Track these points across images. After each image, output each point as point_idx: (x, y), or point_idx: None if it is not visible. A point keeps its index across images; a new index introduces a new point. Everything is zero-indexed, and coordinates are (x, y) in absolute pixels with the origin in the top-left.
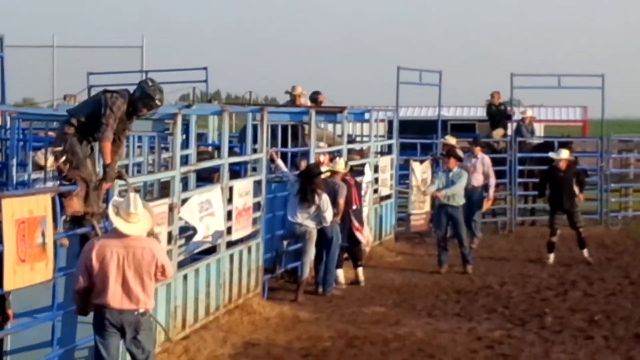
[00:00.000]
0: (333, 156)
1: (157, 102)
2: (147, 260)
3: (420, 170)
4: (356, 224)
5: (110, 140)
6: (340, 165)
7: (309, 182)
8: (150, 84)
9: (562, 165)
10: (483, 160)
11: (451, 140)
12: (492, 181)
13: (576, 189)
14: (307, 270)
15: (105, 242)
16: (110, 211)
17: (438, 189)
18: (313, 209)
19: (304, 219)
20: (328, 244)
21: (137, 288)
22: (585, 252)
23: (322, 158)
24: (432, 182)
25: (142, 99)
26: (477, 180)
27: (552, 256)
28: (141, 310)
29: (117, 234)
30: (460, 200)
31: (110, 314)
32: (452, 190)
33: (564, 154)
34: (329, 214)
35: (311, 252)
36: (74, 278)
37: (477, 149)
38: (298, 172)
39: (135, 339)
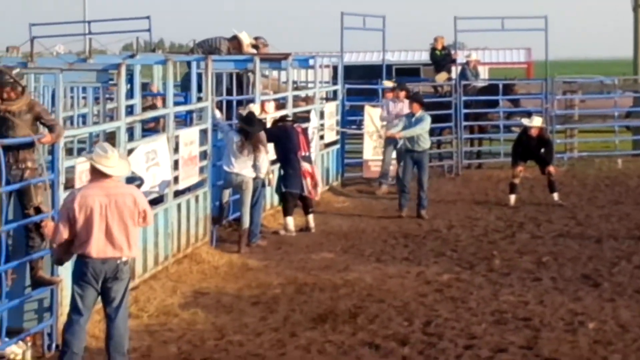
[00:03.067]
0: (279, 103)
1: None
2: (130, 206)
3: (376, 115)
4: (309, 168)
5: None
6: (255, 110)
7: (250, 132)
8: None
9: (534, 132)
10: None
11: (388, 84)
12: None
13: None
14: (247, 220)
15: (87, 191)
16: (90, 158)
17: (398, 132)
18: (251, 158)
19: (241, 169)
20: (253, 194)
21: (120, 236)
22: (556, 195)
23: (268, 106)
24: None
25: None
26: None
27: (513, 197)
28: (124, 259)
29: (97, 184)
30: (426, 144)
31: (93, 263)
32: (411, 131)
33: (537, 121)
34: (264, 166)
35: (248, 202)
36: (54, 230)
37: (402, 94)
38: (240, 119)
39: (111, 287)
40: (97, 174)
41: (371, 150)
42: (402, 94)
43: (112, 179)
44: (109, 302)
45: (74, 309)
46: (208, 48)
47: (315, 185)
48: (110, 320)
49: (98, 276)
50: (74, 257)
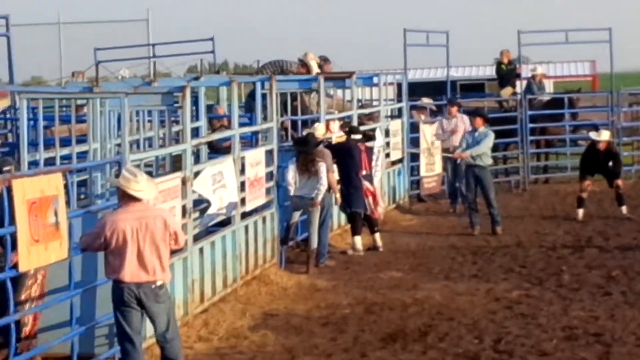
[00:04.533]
0: (344, 122)
1: None
2: (160, 228)
3: (430, 132)
4: (370, 187)
5: None
6: (320, 130)
7: (306, 152)
8: None
9: (602, 146)
10: (463, 119)
11: (427, 100)
12: None
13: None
14: (315, 240)
15: (117, 216)
16: (119, 183)
17: (463, 150)
18: (312, 179)
19: (305, 190)
20: (320, 214)
21: (153, 259)
22: (624, 208)
23: (332, 125)
24: (460, 144)
25: None
26: (459, 140)
27: (581, 212)
28: (159, 283)
29: (126, 208)
30: (488, 160)
31: (128, 288)
32: (477, 150)
33: (605, 135)
34: (322, 185)
35: (316, 222)
36: (84, 239)
37: (454, 109)
38: (294, 142)
39: (155, 311)
40: (126, 199)
41: (424, 167)
42: (454, 109)
43: (141, 203)
44: (155, 327)
45: (123, 336)
46: (278, 69)
47: (377, 204)
48: (161, 344)
49: (135, 299)
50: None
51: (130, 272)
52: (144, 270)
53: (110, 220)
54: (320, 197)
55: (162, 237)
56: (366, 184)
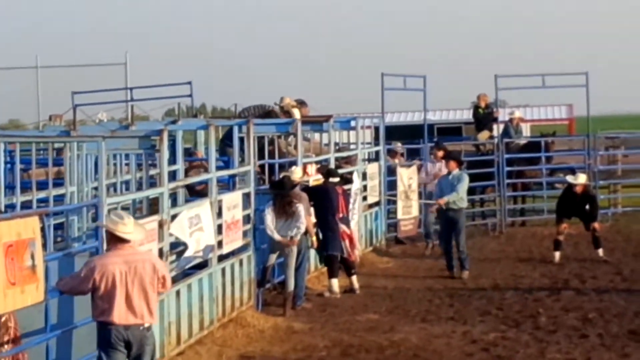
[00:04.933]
0: (322, 165)
1: None
2: (149, 272)
3: (407, 176)
4: (347, 230)
5: None
6: (297, 173)
7: (282, 195)
8: None
9: (579, 189)
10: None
11: (397, 144)
12: None
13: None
14: (292, 283)
15: (106, 260)
16: (107, 226)
17: (440, 194)
18: (290, 220)
19: (282, 232)
20: (296, 257)
21: (141, 302)
22: (601, 251)
23: (309, 169)
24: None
25: None
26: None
27: (557, 254)
28: (146, 325)
29: (115, 252)
30: (462, 204)
31: (116, 330)
32: (453, 196)
33: (582, 178)
34: (302, 224)
35: (292, 265)
36: (66, 281)
37: (440, 153)
38: (270, 186)
39: (140, 355)
40: (115, 241)
41: (401, 210)
42: (440, 153)
43: (129, 245)
44: None
45: None
46: (261, 111)
47: (353, 247)
48: None
49: (122, 341)
50: (97, 325)
51: (119, 315)
52: (132, 313)
53: (99, 263)
54: (298, 236)
55: (151, 281)
56: (343, 226)
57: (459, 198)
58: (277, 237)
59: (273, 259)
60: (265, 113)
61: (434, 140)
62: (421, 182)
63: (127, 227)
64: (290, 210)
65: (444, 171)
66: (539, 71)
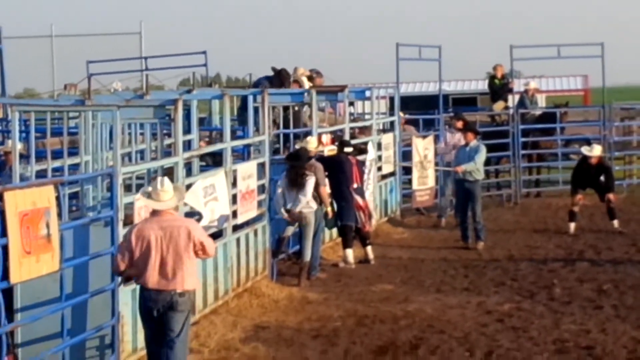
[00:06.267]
0: (336, 136)
1: None
2: (184, 238)
3: (422, 146)
4: (360, 201)
5: None
6: (312, 144)
7: (296, 166)
8: None
9: (594, 161)
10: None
11: (401, 114)
12: None
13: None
14: (308, 254)
15: (144, 225)
16: (141, 197)
17: (457, 164)
18: (303, 192)
19: (296, 205)
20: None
21: (175, 268)
22: (616, 222)
23: (324, 138)
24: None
25: None
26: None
27: (572, 225)
28: (178, 291)
29: (154, 218)
30: (479, 175)
31: (148, 294)
32: (470, 166)
33: (597, 150)
34: (303, 197)
35: (310, 236)
36: (114, 262)
37: (459, 124)
38: (286, 158)
39: (169, 320)
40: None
41: (416, 181)
42: (459, 123)
43: (169, 213)
44: (167, 333)
45: (146, 338)
46: (276, 80)
47: (368, 218)
48: (169, 349)
49: (154, 307)
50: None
51: (152, 280)
52: (164, 278)
53: (137, 228)
54: (297, 209)
55: (185, 246)
56: (357, 197)
57: (476, 169)
58: (282, 213)
59: (290, 230)
60: (276, 73)
61: (453, 110)
62: (440, 153)
63: (159, 196)
64: (302, 181)
65: (463, 142)
66: (555, 42)
